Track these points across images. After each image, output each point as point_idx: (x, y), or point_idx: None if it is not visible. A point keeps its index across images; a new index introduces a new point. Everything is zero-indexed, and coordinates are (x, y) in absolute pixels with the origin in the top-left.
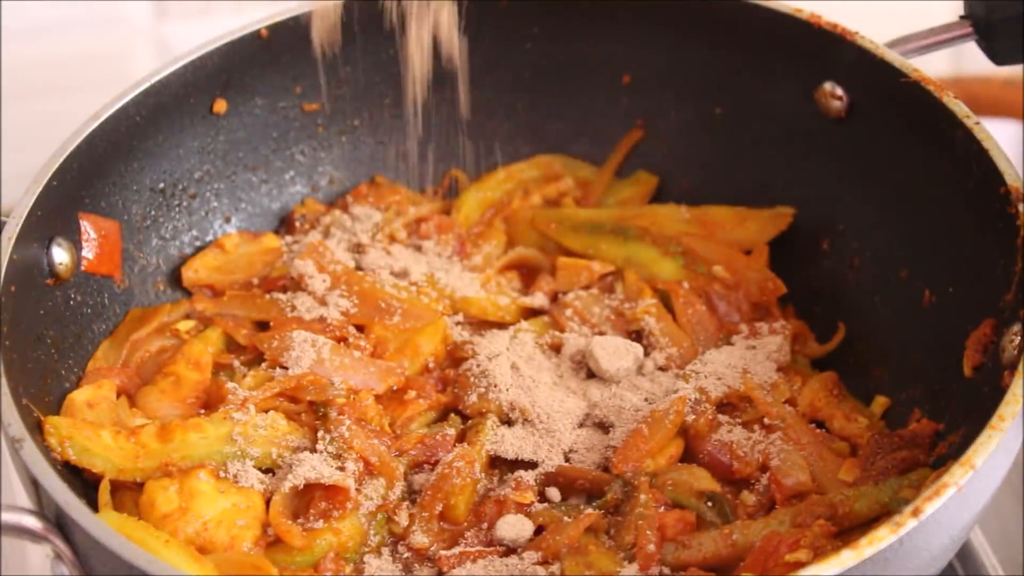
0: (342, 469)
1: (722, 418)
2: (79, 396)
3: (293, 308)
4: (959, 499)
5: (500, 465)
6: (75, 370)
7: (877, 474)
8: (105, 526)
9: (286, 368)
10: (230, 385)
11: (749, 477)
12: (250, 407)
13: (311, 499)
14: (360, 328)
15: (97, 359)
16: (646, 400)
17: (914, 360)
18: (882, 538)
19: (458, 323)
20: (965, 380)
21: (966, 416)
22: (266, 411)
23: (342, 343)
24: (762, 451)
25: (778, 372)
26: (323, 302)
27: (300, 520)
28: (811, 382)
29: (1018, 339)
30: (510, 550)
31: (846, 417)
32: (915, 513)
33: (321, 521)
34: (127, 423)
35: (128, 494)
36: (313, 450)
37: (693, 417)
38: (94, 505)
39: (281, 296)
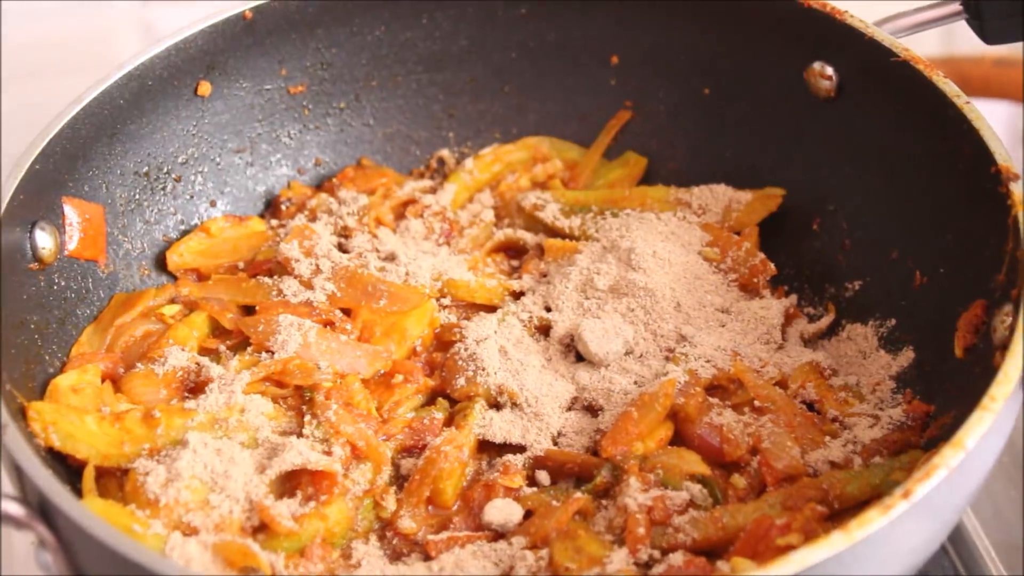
0: (329, 454)
1: (712, 401)
2: (63, 381)
3: (279, 292)
4: (951, 481)
5: (488, 449)
6: (59, 355)
7: (868, 456)
8: (89, 512)
9: (272, 352)
10: (216, 370)
11: (740, 460)
12: (236, 391)
13: (297, 484)
14: (346, 312)
15: (81, 344)
16: (635, 383)
17: (905, 342)
18: (873, 520)
19: (445, 306)
20: (956, 361)
21: (958, 397)
22: (252, 396)
23: (329, 327)
24: (753, 434)
25: (768, 354)
26: (309, 286)
27: (287, 505)
28: (802, 364)
29: (1009, 319)
30: (499, 535)
31: (837, 399)
32: (906, 495)
33: (308, 506)
34: (112, 408)
35: (113, 480)
36: (300, 435)
37: (683, 400)
38: (78, 492)
39: (267, 280)
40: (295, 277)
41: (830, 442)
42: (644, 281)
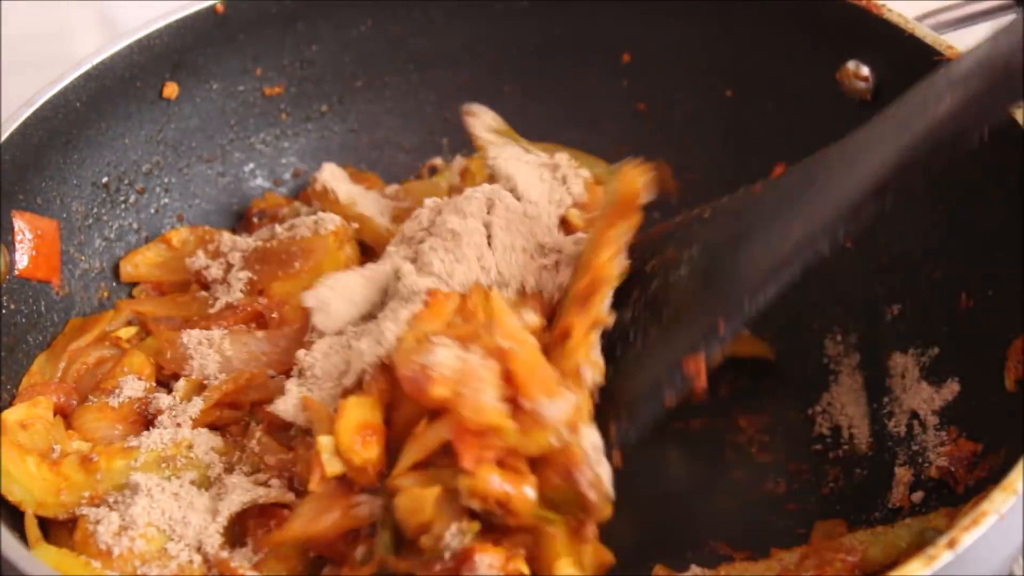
0: (266, 485)
1: None
2: (11, 416)
3: (214, 301)
4: (1000, 528)
5: None
6: (8, 387)
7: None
8: (40, 563)
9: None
10: (165, 400)
11: None
12: (183, 426)
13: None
14: (261, 293)
15: (32, 374)
16: None
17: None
18: (914, 574)
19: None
20: (1006, 395)
21: (1007, 435)
22: (199, 430)
23: (256, 323)
24: None
25: None
26: (226, 284)
27: (247, 549)
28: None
29: None
30: None
31: None
32: (951, 545)
33: (263, 551)
34: (63, 447)
35: (63, 525)
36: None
37: None
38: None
39: (204, 293)
40: (211, 283)
41: None
42: None
